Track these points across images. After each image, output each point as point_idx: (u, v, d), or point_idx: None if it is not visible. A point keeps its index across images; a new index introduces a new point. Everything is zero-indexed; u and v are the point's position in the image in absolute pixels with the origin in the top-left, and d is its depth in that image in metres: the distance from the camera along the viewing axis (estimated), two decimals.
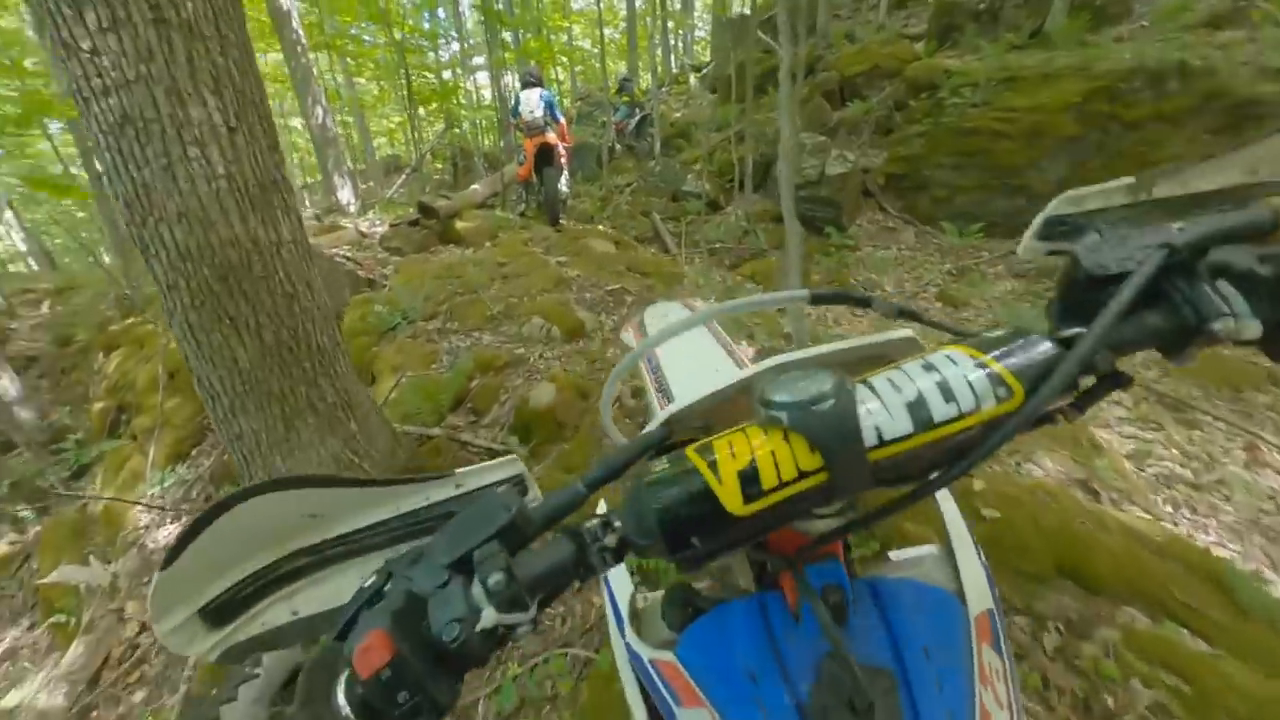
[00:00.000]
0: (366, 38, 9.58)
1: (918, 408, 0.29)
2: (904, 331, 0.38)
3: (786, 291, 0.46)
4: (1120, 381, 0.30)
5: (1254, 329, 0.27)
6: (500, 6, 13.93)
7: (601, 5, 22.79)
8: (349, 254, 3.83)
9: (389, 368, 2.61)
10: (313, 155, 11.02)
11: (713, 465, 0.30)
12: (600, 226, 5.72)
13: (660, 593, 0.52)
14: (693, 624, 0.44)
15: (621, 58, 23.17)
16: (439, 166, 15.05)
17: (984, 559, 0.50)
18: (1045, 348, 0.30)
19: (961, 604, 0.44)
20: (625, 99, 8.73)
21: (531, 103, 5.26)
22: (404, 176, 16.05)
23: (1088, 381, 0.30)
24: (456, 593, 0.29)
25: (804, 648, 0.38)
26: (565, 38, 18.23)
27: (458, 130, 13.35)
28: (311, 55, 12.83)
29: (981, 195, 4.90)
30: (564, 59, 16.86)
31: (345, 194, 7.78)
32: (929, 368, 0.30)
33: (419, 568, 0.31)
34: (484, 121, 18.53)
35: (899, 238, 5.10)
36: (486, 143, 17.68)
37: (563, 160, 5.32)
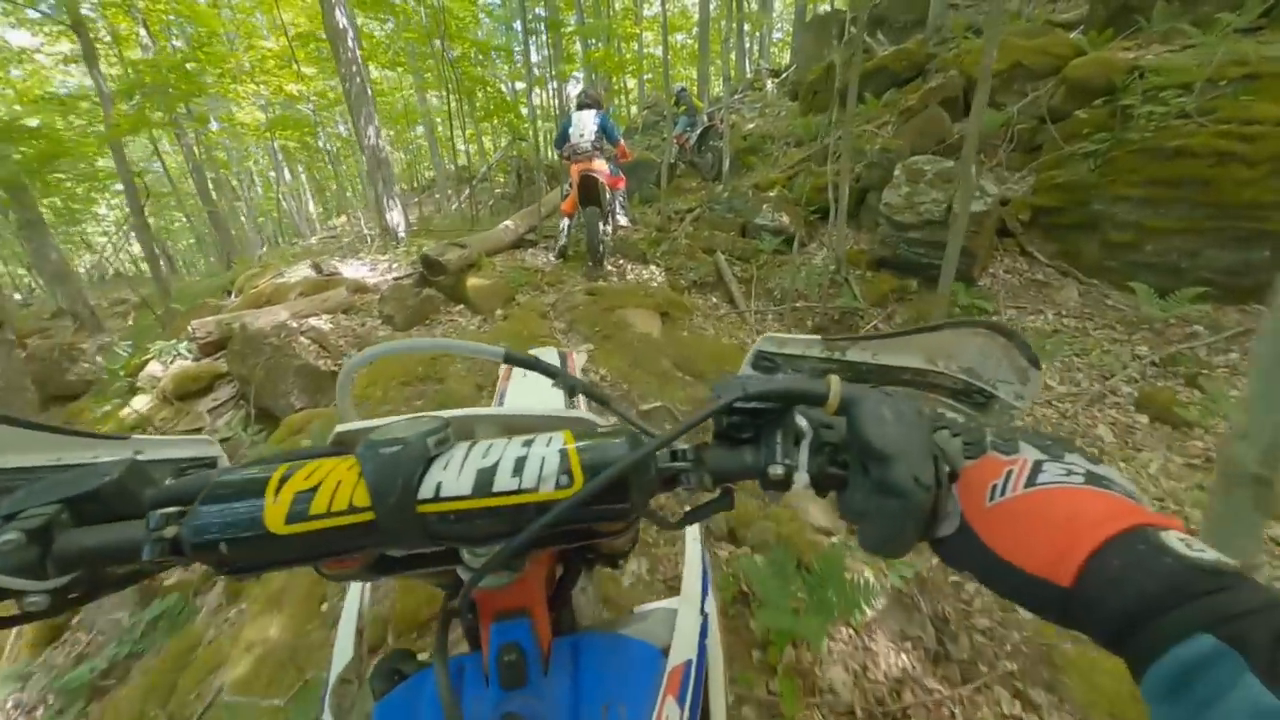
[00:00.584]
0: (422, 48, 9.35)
1: (485, 474, 0.30)
2: (578, 412, 0.40)
3: (486, 345, 0.45)
4: (724, 504, 0.35)
5: (801, 479, 0.31)
6: (574, 19, 13.50)
7: (668, 9, 21.98)
8: (325, 325, 3.14)
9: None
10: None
11: (285, 480, 0.30)
12: (652, 267, 4.78)
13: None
14: (391, 693, 0.43)
15: (693, 63, 22.21)
16: (501, 180, 14.90)
17: (707, 609, 0.53)
18: (619, 447, 0.32)
19: (663, 657, 0.45)
20: (682, 109, 7.70)
21: (583, 124, 4.49)
22: (466, 192, 16.14)
23: (704, 497, 0.35)
24: None
25: (485, 709, 0.38)
26: (636, 45, 17.53)
27: (523, 142, 13.02)
28: (372, 71, 13.09)
29: (1191, 242, 3.42)
30: (632, 67, 16.16)
31: (395, 216, 7.44)
32: (528, 443, 0.32)
33: None
34: (548, 134, 18.31)
35: (1054, 298, 3.71)
36: (554, 155, 17.47)
37: (610, 195, 4.45)
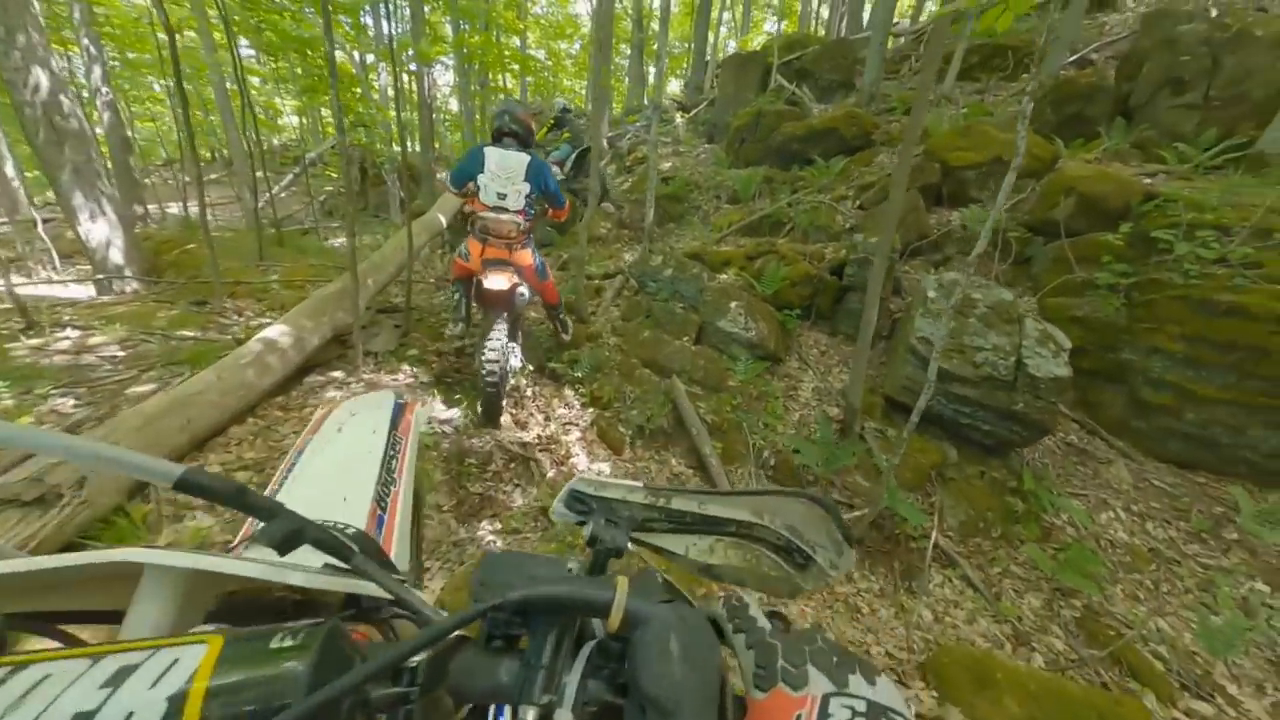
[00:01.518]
0: None
1: None
2: (122, 554, 0.27)
3: (157, 462, 0.27)
4: None
5: (565, 718, 0.24)
6: None
7: (552, 13, 20.09)
8: None
9: None
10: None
11: None
12: (570, 395, 2.89)
13: None
14: None
15: (581, 75, 20.53)
16: (333, 176, 11.27)
17: None
18: (293, 673, 0.20)
19: None
20: (565, 134, 5.96)
21: (505, 170, 2.39)
22: (288, 178, 11.99)
23: None
24: None
25: None
26: (517, 42, 15.15)
27: (362, 131, 9.75)
28: None
29: (1237, 416, 2.77)
30: (514, 66, 13.82)
31: (99, 227, 4.21)
32: (117, 678, 0.18)
33: None
34: (410, 126, 14.89)
35: (1102, 475, 2.83)
36: (412, 145, 14.05)
37: (524, 295, 2.41)
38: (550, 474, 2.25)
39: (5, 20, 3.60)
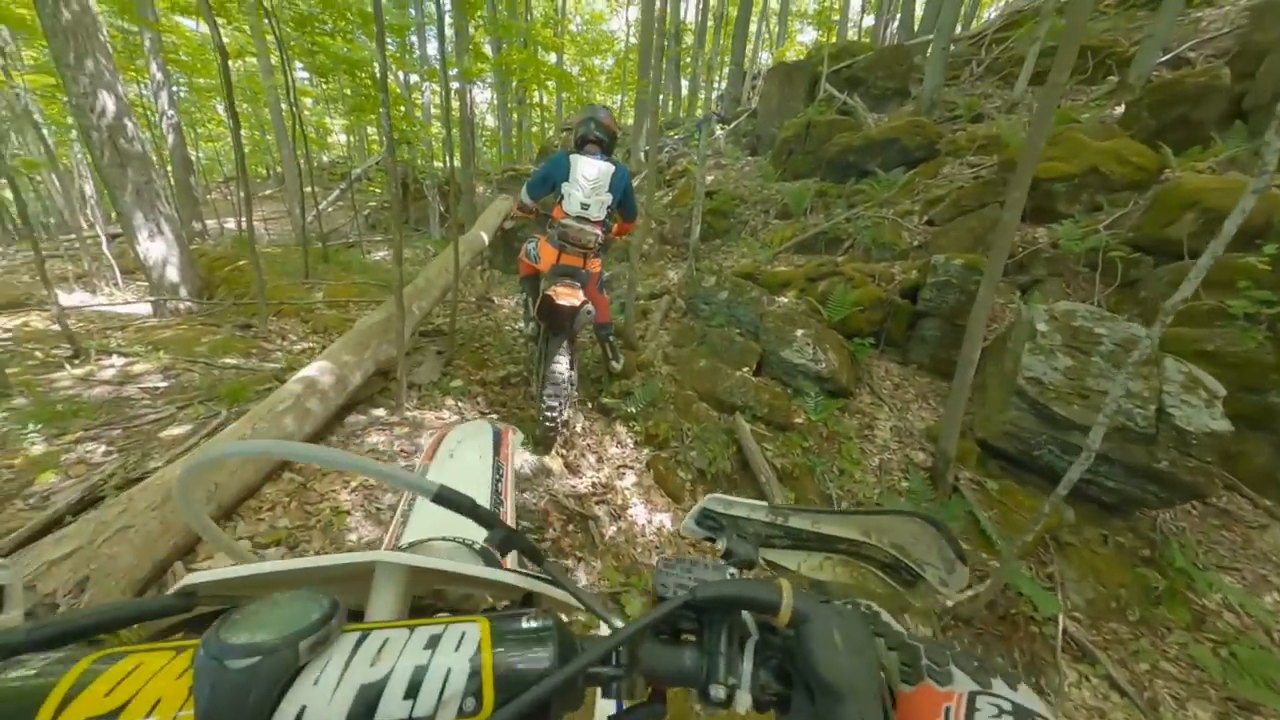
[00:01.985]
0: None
1: (368, 693, 0.22)
2: (362, 556, 0.33)
3: (410, 477, 0.32)
4: (655, 713, 0.31)
5: (744, 701, 0.27)
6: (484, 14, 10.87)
7: (587, 31, 20.26)
8: None
9: None
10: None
11: (76, 692, 0.21)
12: (621, 431, 2.62)
13: None
14: None
15: (615, 90, 20.61)
16: (376, 191, 11.50)
17: None
18: (544, 659, 0.26)
19: None
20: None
21: (592, 179, 2.28)
22: (335, 194, 12.35)
23: (632, 700, 0.30)
24: None
25: None
26: (554, 58, 15.26)
27: (405, 148, 9.90)
28: (187, 23, 9.05)
29: None
30: (550, 82, 13.92)
31: (157, 246, 4.24)
32: (432, 643, 0.25)
33: None
34: (446, 142, 15.21)
35: (1255, 543, 2.35)
36: (451, 161, 14.29)
37: (590, 313, 2.20)
38: (610, 532, 1.98)
39: (74, 48, 3.66)
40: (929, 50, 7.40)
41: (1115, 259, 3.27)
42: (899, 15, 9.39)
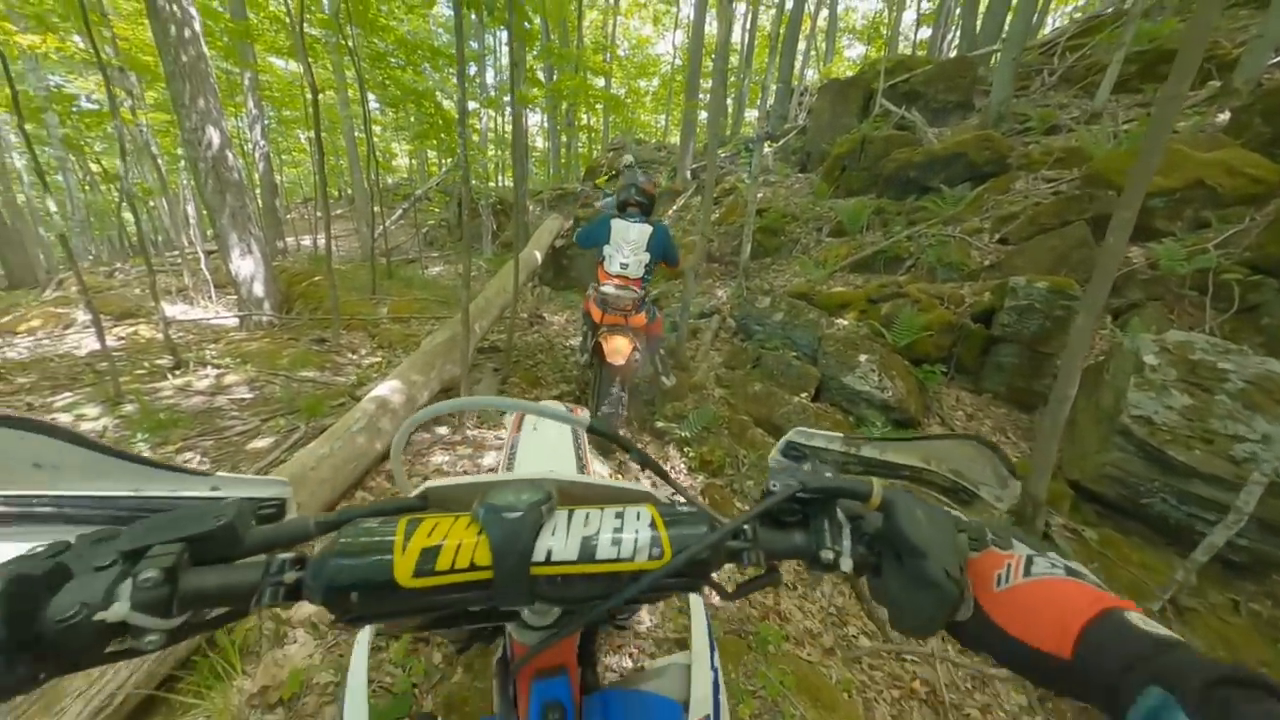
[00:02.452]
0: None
1: (588, 543, 0.32)
2: (643, 487, 0.41)
3: (570, 414, 0.43)
4: (773, 579, 0.38)
5: (846, 564, 0.34)
6: (539, 46, 11.34)
7: (634, 55, 20.73)
8: None
9: None
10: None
11: (409, 536, 0.31)
12: (673, 453, 2.54)
13: None
14: None
15: (660, 110, 20.95)
16: (435, 211, 12.12)
17: (715, 665, 0.56)
18: (702, 531, 0.34)
19: (684, 712, 0.49)
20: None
21: (631, 240, 2.46)
22: (398, 213, 13.13)
23: (753, 571, 0.37)
24: (106, 578, 0.26)
25: None
26: (602, 82, 15.71)
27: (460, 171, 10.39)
28: (278, 62, 9.90)
29: None
30: (599, 105, 14.29)
31: (247, 264, 4.61)
32: (619, 515, 0.34)
33: (99, 546, 0.28)
34: (501, 162, 15.83)
35: None
36: (502, 181, 14.91)
37: (639, 358, 2.40)
38: None
39: (189, 89, 4.07)
40: (993, 60, 7.04)
41: (1230, 281, 2.89)
42: (957, 26, 9.02)
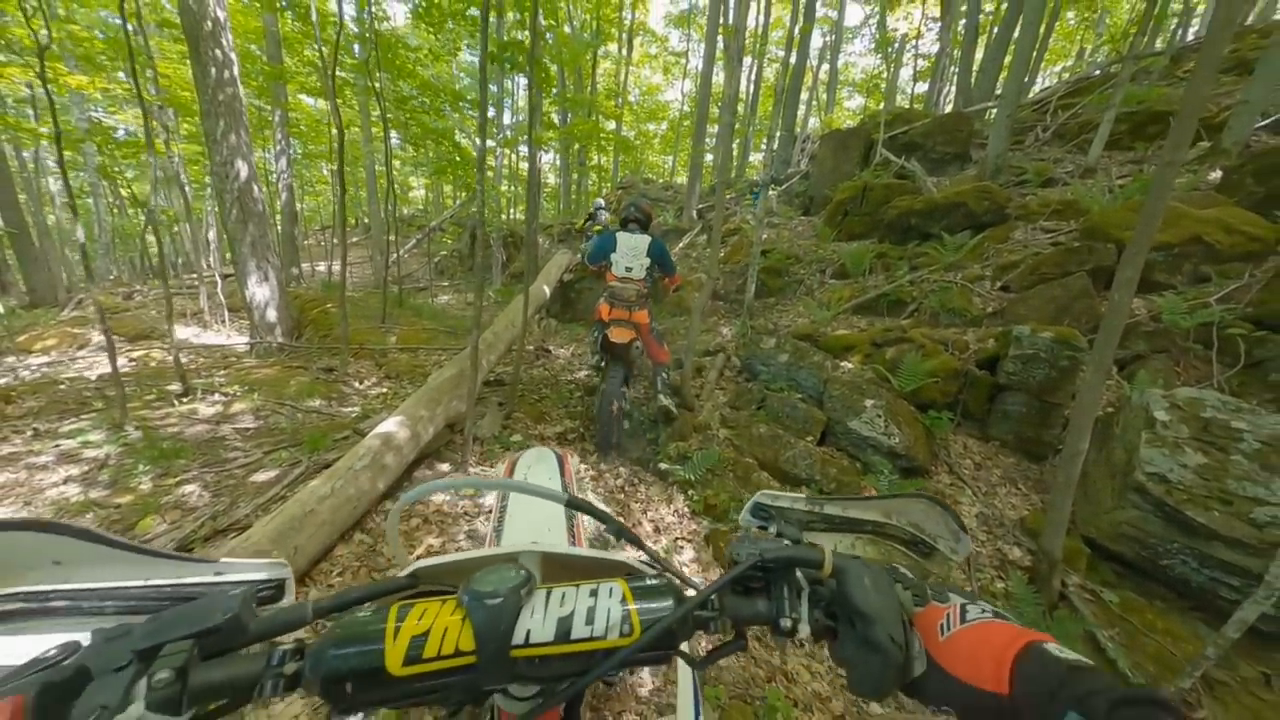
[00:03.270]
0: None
1: (564, 623, 0.34)
2: (620, 555, 0.46)
3: (549, 490, 0.43)
4: (739, 646, 0.39)
5: (804, 630, 0.36)
6: (555, 91, 11.92)
7: (644, 100, 21.70)
8: None
9: None
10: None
11: (400, 622, 0.33)
12: (676, 495, 2.48)
13: None
14: None
15: (667, 151, 21.74)
16: (448, 242, 12.42)
17: None
18: (669, 604, 0.36)
19: None
20: (598, 229, 6.93)
21: (632, 250, 2.88)
22: (412, 242, 13.44)
23: (719, 638, 0.39)
24: (123, 679, 0.27)
25: None
26: (613, 125, 16.36)
27: (475, 206, 10.68)
28: (308, 100, 10.36)
29: None
30: (609, 147, 14.82)
31: (263, 290, 4.68)
32: (594, 593, 0.36)
33: (114, 644, 0.29)
34: (516, 197, 16.35)
35: None
36: (515, 213, 15.31)
37: (640, 349, 2.88)
38: None
39: (224, 125, 4.25)
40: (990, 115, 7.32)
41: (1235, 336, 2.89)
42: (952, 82, 9.44)
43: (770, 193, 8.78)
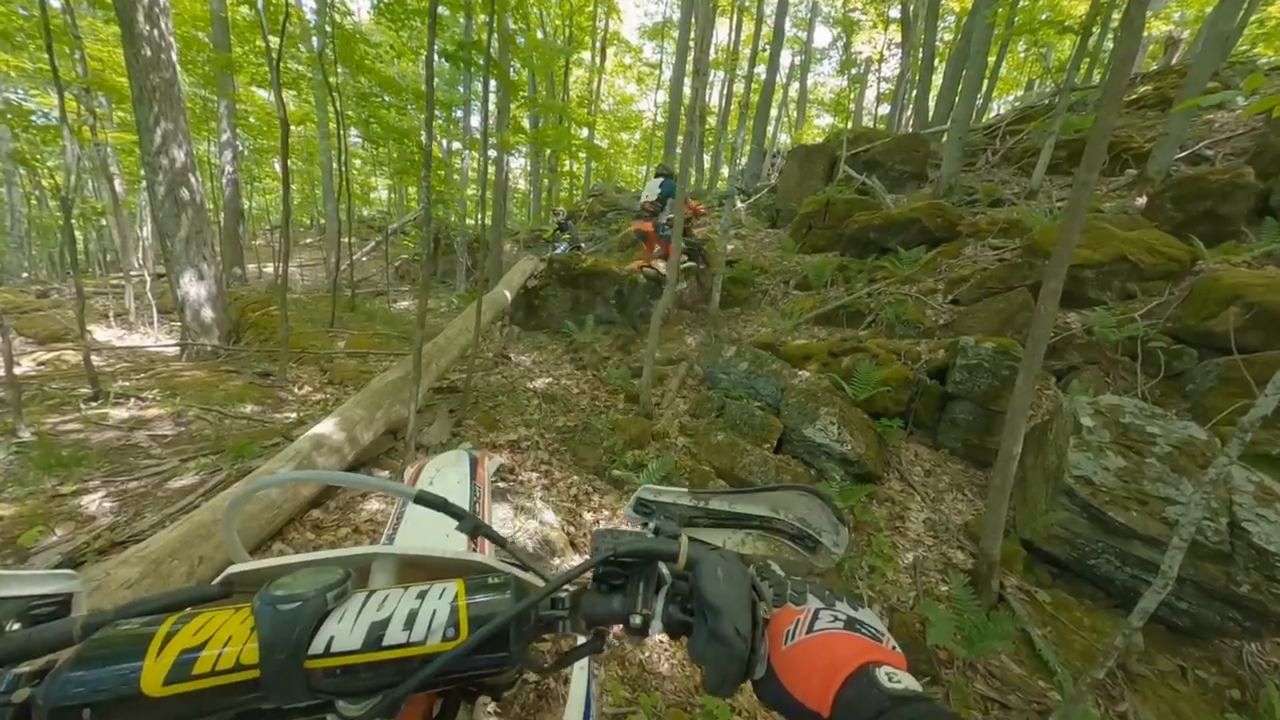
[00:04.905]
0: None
1: (377, 628, 0.31)
2: (478, 556, 0.43)
3: (398, 485, 0.45)
4: (595, 648, 0.39)
5: (656, 626, 0.35)
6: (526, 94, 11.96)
7: (618, 110, 22.10)
8: None
9: None
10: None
11: (169, 638, 0.29)
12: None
13: None
14: None
15: (640, 162, 22.10)
16: (410, 245, 12.17)
17: None
18: (505, 600, 0.34)
19: None
20: (566, 237, 8.03)
21: (649, 188, 5.08)
22: (370, 245, 13.07)
23: (574, 641, 0.39)
24: None
25: None
26: (586, 132, 16.54)
27: (441, 207, 10.53)
28: (259, 91, 10.04)
29: None
30: (582, 154, 14.95)
31: (199, 288, 4.44)
32: (421, 595, 0.33)
33: None
34: (479, 201, 16.20)
35: None
36: (482, 219, 15.15)
37: (657, 251, 4.89)
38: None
39: (155, 111, 4.05)
40: (944, 138, 7.82)
41: (1156, 350, 3.16)
42: (912, 105, 10.04)
43: (739, 204, 9.05)
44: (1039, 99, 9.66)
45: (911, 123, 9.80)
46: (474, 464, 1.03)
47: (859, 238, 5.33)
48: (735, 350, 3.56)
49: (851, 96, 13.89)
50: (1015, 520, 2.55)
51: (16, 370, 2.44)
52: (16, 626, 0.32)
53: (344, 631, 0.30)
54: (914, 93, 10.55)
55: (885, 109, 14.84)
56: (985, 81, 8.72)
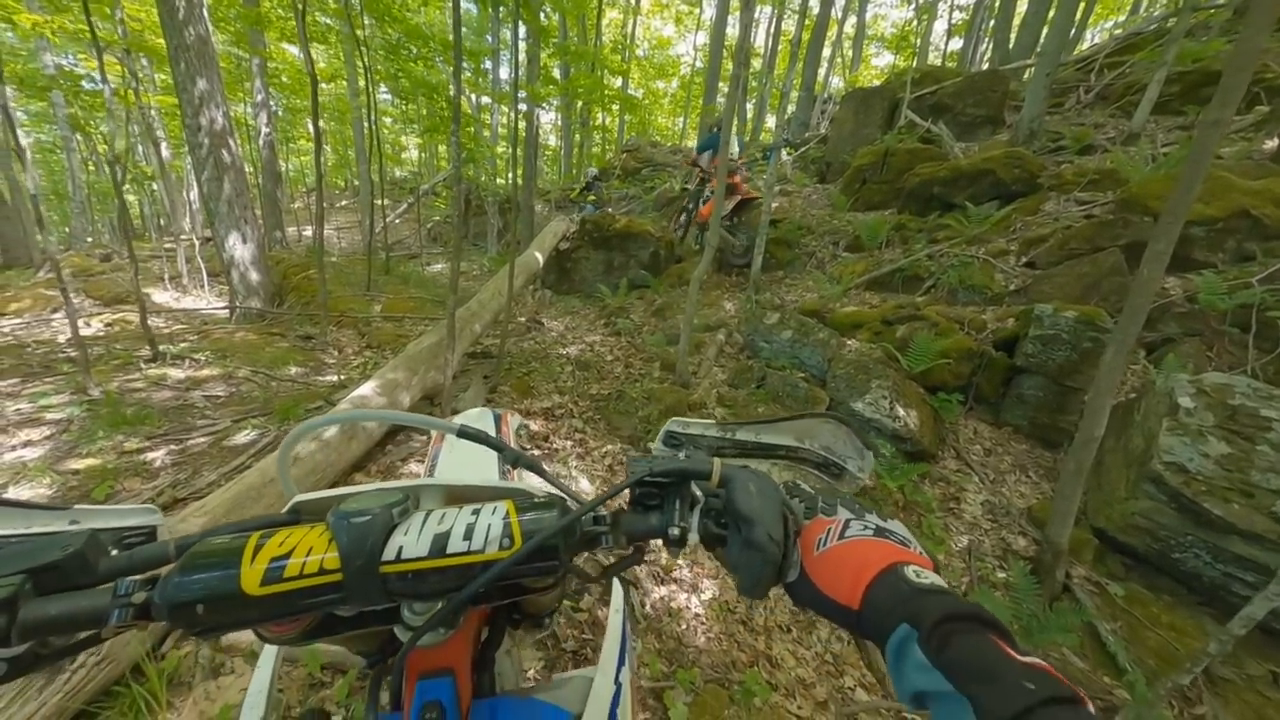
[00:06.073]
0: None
1: (440, 539, 0.34)
2: (519, 485, 0.46)
3: (442, 421, 0.49)
4: (636, 559, 0.43)
5: (693, 538, 0.38)
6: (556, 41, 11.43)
7: (653, 56, 20.93)
8: None
9: None
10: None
11: (260, 548, 0.33)
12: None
13: None
14: None
15: (678, 113, 21.08)
16: (441, 207, 12.22)
17: (621, 680, 0.56)
18: (553, 515, 0.37)
19: None
20: (592, 198, 7.94)
21: (698, 144, 5.40)
22: (403, 207, 13.26)
23: (619, 554, 0.42)
24: None
25: None
26: (619, 82, 15.82)
27: (471, 166, 10.44)
28: (290, 49, 10.03)
29: None
30: (615, 105, 14.37)
31: (243, 249, 4.63)
32: (476, 511, 0.37)
33: None
34: (510, 159, 16.00)
35: None
36: (513, 177, 14.98)
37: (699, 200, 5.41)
38: (654, 598, 1.82)
39: (189, 69, 4.11)
40: (1027, 75, 6.98)
41: (1276, 319, 2.79)
42: (990, 38, 8.98)
43: (785, 157, 8.51)
44: (1146, 24, 8.41)
45: (988, 58, 8.78)
46: (498, 420, 1.10)
47: (920, 193, 4.91)
48: (778, 317, 3.40)
49: (917, 30, 12.57)
50: (1087, 507, 2.38)
51: (84, 331, 2.62)
52: (115, 552, 0.37)
53: (411, 542, 0.33)
54: (992, 23, 9.40)
55: (956, 44, 13.38)
56: (1081, 5, 7.62)
